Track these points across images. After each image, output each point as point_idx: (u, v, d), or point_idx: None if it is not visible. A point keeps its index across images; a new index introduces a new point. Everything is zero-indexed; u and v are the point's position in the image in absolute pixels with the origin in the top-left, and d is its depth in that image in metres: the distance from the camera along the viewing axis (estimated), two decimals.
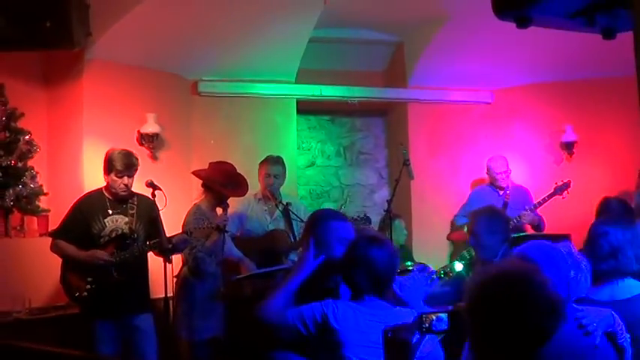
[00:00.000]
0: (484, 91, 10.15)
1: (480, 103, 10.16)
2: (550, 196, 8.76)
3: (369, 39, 9.77)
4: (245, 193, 7.53)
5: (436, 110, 10.02)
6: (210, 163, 7.47)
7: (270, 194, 7.76)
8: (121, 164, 6.59)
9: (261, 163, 7.88)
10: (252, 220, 7.84)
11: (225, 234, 7.00)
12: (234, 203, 7.68)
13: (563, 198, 8.75)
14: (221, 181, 7.25)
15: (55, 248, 6.64)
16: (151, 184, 6.60)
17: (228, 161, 7.56)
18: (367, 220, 7.65)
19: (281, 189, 7.93)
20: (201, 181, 7.42)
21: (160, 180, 6.82)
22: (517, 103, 10.05)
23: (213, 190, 7.27)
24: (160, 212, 6.57)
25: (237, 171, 7.51)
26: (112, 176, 6.61)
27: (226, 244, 7.15)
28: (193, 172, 7.43)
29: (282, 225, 7.75)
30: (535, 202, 8.84)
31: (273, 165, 7.82)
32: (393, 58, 10.11)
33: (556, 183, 8.84)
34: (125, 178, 6.61)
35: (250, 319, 7.00)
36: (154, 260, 6.79)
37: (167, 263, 6.43)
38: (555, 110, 9.84)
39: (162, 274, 6.40)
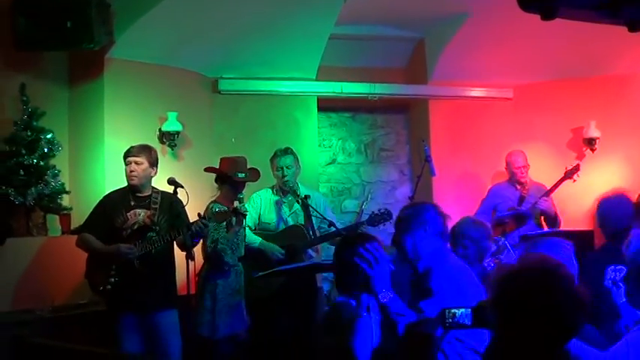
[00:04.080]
0: (505, 87, 10.09)
1: (501, 99, 10.10)
2: (561, 180, 8.85)
3: (390, 35, 9.71)
4: (257, 178, 7.46)
5: (457, 106, 9.97)
6: (221, 159, 7.42)
7: (288, 188, 7.62)
8: (128, 152, 6.68)
9: (271, 158, 7.76)
10: (270, 213, 7.73)
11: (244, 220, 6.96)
12: (250, 195, 7.69)
13: (574, 181, 8.83)
14: (233, 172, 7.19)
15: (79, 242, 6.65)
16: (172, 182, 6.60)
17: (250, 160, 7.50)
18: (388, 214, 7.55)
19: (299, 182, 7.81)
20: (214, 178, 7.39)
21: (182, 178, 6.79)
22: (538, 99, 9.99)
23: (226, 182, 7.21)
24: (182, 208, 6.61)
25: (248, 164, 7.43)
26: (125, 166, 6.67)
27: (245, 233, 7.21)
28: (206, 169, 7.37)
29: (301, 219, 7.61)
30: (548, 188, 8.90)
31: (282, 157, 7.66)
32: (414, 54, 10.03)
33: (566, 167, 8.91)
34: (132, 164, 6.62)
35: (273, 315, 7.04)
36: (176, 258, 6.76)
37: (189, 260, 6.38)
38: (577, 106, 9.79)
39: (184, 271, 6.36)
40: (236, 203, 6.88)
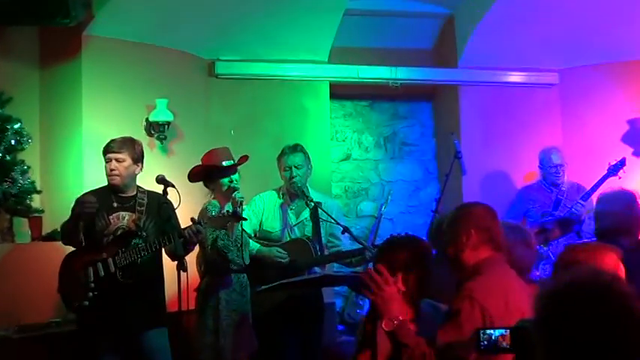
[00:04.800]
0: (549, 71, 9.99)
1: (543, 85, 10.01)
2: (604, 178, 8.64)
3: (415, 11, 9.68)
4: (246, 159, 7.25)
5: (492, 94, 9.90)
6: (202, 159, 7.24)
7: (296, 190, 7.43)
8: (108, 147, 6.57)
9: (278, 156, 7.57)
10: (274, 220, 7.55)
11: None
12: (251, 196, 7.59)
13: (619, 178, 8.63)
14: (218, 162, 7.06)
15: (63, 233, 6.57)
16: (161, 181, 6.44)
17: (252, 154, 7.38)
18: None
19: (309, 186, 7.59)
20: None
21: (172, 175, 6.67)
22: (588, 84, 9.88)
23: (214, 178, 7.08)
24: (173, 211, 6.52)
25: (250, 158, 7.29)
26: (105, 163, 6.58)
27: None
28: (191, 178, 7.17)
29: (309, 229, 7.45)
30: (588, 188, 8.69)
31: (290, 155, 7.46)
32: (442, 33, 10.03)
33: (609, 162, 8.75)
34: (112, 161, 6.52)
35: (274, 336, 6.95)
36: (165, 268, 6.70)
37: (181, 271, 6.26)
38: (635, 93, 9.67)
39: (174, 284, 6.23)
40: (234, 196, 6.78)
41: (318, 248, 7.36)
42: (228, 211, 6.67)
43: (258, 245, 7.36)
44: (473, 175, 9.12)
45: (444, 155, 9.85)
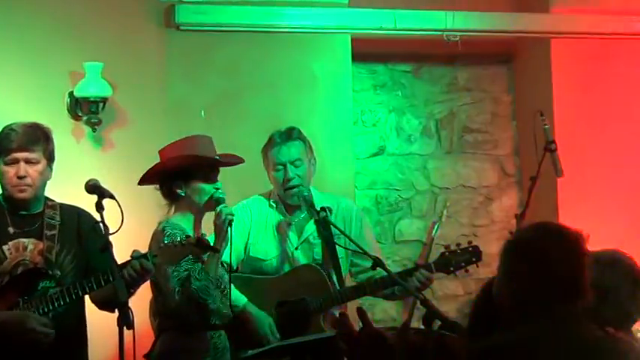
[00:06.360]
0: None
1: None
2: None
3: None
4: (240, 161, 7.00)
5: (603, 52, 9.60)
6: (159, 152, 6.86)
7: (299, 202, 7.25)
8: (9, 141, 6.27)
9: (264, 148, 7.35)
10: (267, 242, 7.32)
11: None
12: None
13: None
14: (189, 153, 6.68)
15: None
16: (94, 189, 6.03)
17: (235, 148, 7.25)
18: (474, 254, 7.26)
19: (311, 186, 7.33)
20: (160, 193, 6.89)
21: (111, 180, 6.48)
22: None
23: (191, 180, 6.66)
24: (110, 236, 5.90)
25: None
26: (2, 166, 6.27)
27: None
28: (143, 182, 6.85)
29: (318, 251, 7.27)
30: None
31: (284, 145, 7.23)
32: None
33: None
34: (21, 164, 6.21)
35: None
36: (97, 323, 6.58)
37: (124, 327, 5.61)
38: None
39: (114, 347, 5.65)
40: (220, 210, 6.53)
41: (335, 279, 7.18)
42: (188, 236, 6.25)
43: (245, 299, 7.11)
44: (573, 177, 8.81)
45: (528, 147, 9.21)
